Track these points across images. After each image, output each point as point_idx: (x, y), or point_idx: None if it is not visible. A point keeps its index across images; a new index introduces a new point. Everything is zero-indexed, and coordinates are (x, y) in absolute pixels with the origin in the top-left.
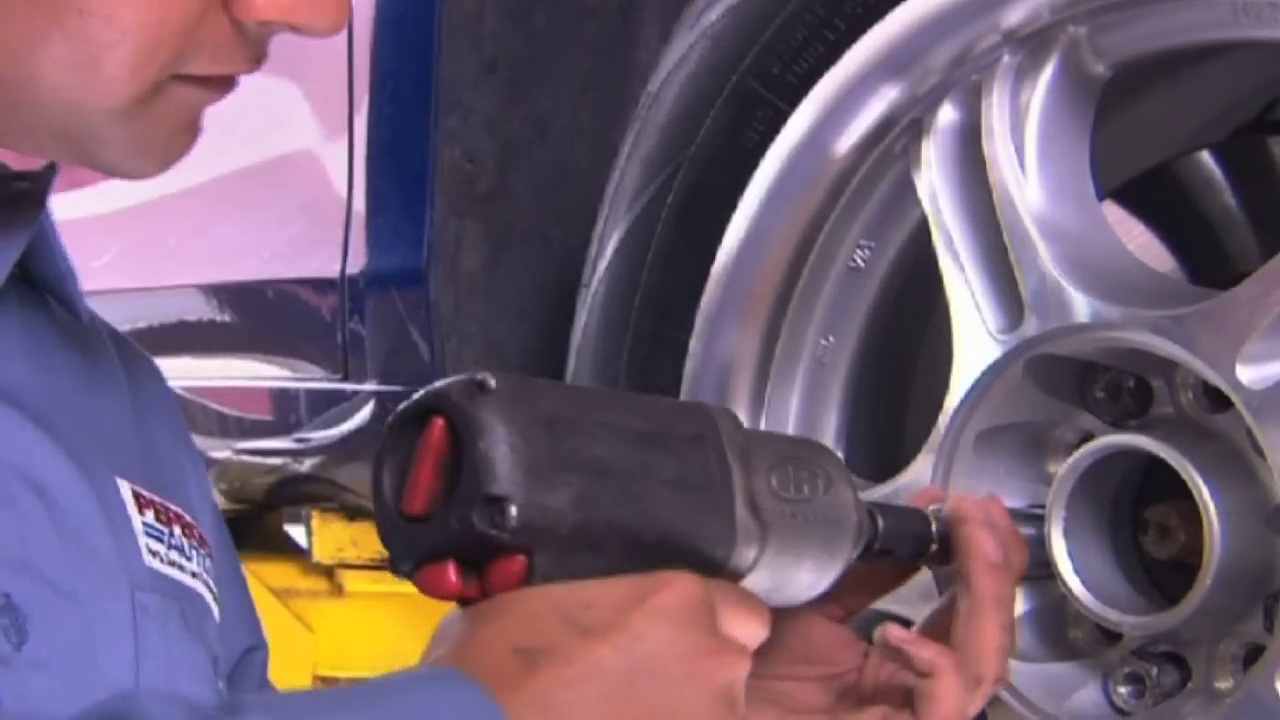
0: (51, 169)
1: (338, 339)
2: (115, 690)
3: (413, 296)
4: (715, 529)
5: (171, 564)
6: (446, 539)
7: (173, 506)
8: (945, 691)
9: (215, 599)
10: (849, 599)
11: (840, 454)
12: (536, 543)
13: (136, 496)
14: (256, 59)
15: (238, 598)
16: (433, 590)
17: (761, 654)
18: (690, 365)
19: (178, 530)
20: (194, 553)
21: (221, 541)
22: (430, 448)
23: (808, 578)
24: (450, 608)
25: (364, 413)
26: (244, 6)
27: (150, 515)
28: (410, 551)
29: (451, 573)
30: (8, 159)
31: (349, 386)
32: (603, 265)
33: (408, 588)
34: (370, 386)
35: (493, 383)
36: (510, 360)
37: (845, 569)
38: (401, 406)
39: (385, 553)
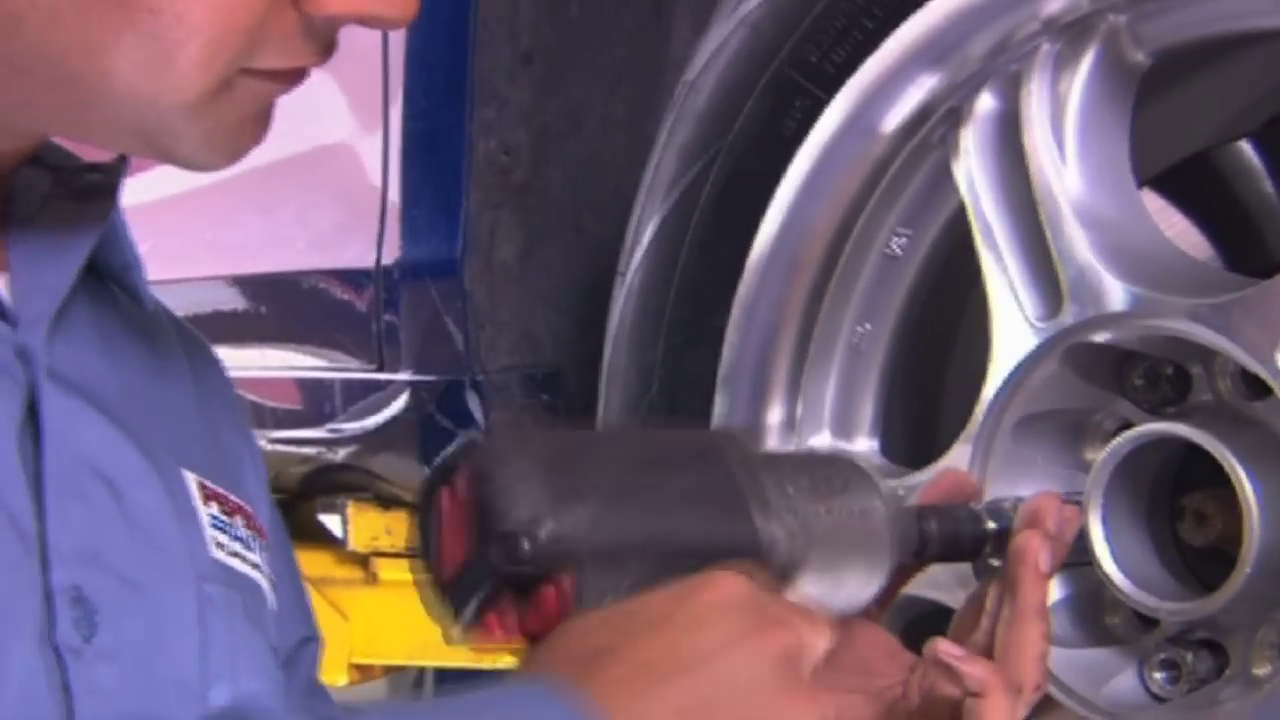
0: (123, 161)
1: (373, 329)
2: (182, 680)
3: (448, 287)
4: (736, 533)
5: (235, 555)
6: (484, 587)
7: (234, 498)
8: (995, 710)
9: (273, 590)
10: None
11: (876, 441)
12: (565, 567)
13: (201, 488)
14: (325, 51)
15: (292, 590)
16: (489, 638)
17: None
18: (726, 353)
19: (240, 522)
20: (254, 544)
21: (277, 531)
22: (449, 508)
23: (857, 577)
24: None
25: (399, 403)
26: (313, 1)
27: (215, 507)
28: (460, 609)
29: (498, 618)
30: (80, 152)
31: (384, 376)
32: (639, 253)
33: None
34: (405, 376)
35: (485, 438)
36: (545, 350)
37: (894, 565)
38: (420, 486)
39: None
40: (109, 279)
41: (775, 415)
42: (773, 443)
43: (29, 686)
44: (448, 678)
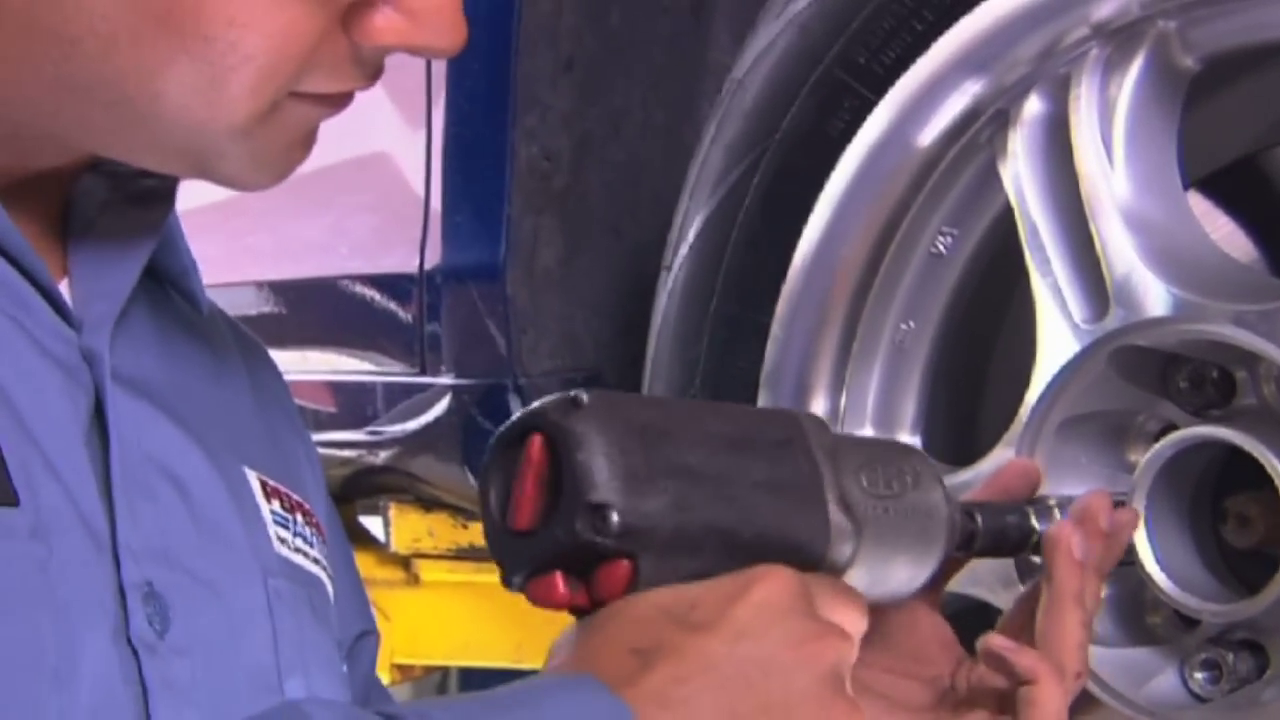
0: None
1: (415, 333)
2: (255, 674)
3: (490, 291)
4: (809, 526)
5: (297, 551)
6: (553, 550)
7: (294, 495)
8: (1047, 697)
9: (332, 585)
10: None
11: (918, 439)
12: (638, 547)
13: (263, 485)
14: (372, 76)
15: (350, 583)
16: (543, 600)
17: (870, 646)
18: (771, 349)
19: (299, 518)
20: (314, 540)
21: (333, 526)
22: (531, 464)
23: (905, 572)
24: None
25: (441, 406)
26: (364, 32)
27: (276, 504)
28: (519, 565)
29: (560, 582)
30: None
31: (425, 380)
32: (684, 249)
33: (482, 577)
34: (447, 380)
35: (586, 398)
36: (585, 353)
37: (941, 562)
38: (502, 427)
39: (460, 543)
40: (166, 282)
41: (819, 410)
42: None
43: (105, 682)
44: (473, 678)
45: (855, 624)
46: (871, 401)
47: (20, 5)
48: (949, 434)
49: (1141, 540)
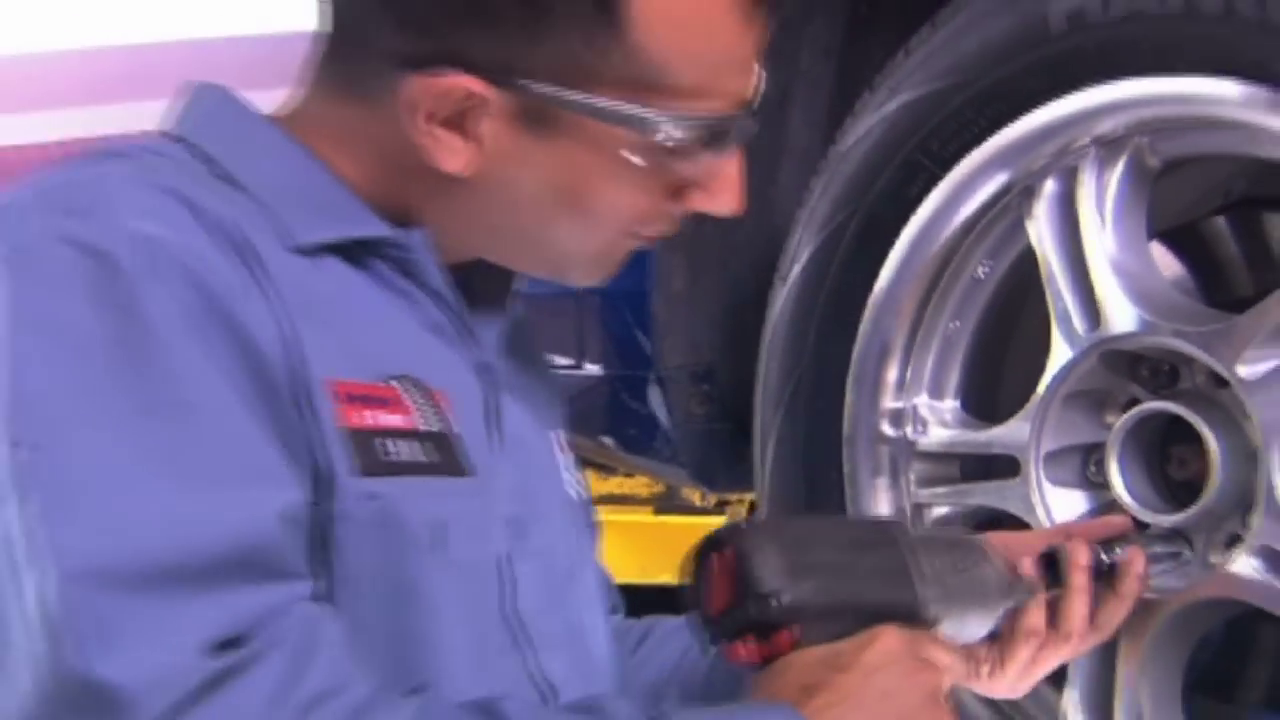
0: None
1: (576, 338)
2: (567, 572)
3: (638, 308)
4: (906, 597)
5: (577, 492)
6: (741, 625)
7: (571, 451)
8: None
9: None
10: None
11: (958, 401)
12: (799, 619)
13: (559, 442)
14: (677, 225)
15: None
16: (736, 659)
17: None
18: (860, 340)
19: (575, 463)
20: (580, 479)
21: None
22: (718, 569)
23: (976, 622)
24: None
25: (596, 390)
26: (691, 202)
27: (566, 457)
28: (718, 636)
29: (744, 647)
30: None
31: (584, 372)
32: (797, 269)
33: (617, 516)
34: (598, 370)
35: (754, 521)
36: (703, 354)
37: (1003, 615)
38: (697, 544)
39: (601, 492)
40: None
41: (891, 377)
42: (889, 396)
43: (492, 578)
44: None
45: (947, 662)
46: (928, 374)
47: (477, 186)
48: (978, 400)
49: (1115, 474)
